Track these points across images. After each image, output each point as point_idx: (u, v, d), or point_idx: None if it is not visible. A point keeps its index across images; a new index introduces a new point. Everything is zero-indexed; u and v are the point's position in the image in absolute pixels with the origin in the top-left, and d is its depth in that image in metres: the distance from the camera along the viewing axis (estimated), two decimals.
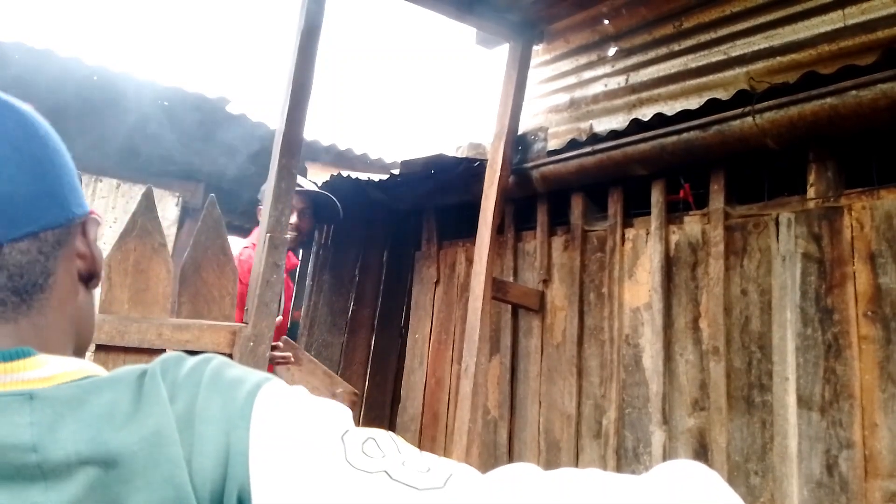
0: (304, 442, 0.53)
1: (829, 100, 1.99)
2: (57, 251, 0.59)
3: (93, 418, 0.50)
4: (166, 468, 0.50)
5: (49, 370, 0.54)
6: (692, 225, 2.51)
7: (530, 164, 3.00)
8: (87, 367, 0.57)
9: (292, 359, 2.78)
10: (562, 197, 3.06)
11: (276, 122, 2.30)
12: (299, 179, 2.83)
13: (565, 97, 3.01)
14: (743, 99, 2.22)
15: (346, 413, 0.58)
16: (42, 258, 0.58)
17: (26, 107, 0.63)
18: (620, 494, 0.53)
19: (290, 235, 2.71)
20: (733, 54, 2.34)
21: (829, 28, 2.08)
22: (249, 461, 0.51)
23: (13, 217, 0.55)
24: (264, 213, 2.16)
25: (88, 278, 0.64)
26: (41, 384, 0.52)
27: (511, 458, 3.07)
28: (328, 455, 0.52)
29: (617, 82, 2.78)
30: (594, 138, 2.73)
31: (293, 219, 2.79)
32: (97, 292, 0.69)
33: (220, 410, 0.54)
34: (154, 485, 0.49)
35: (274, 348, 2.67)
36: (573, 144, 2.82)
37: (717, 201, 2.41)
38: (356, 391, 3.09)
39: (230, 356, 1.97)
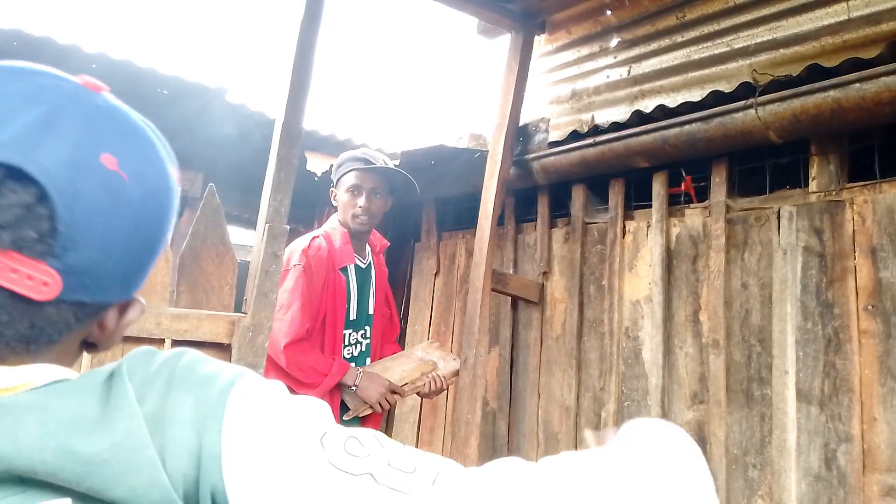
0: (281, 444, 0.51)
1: (832, 93, 1.98)
2: (91, 319, 0.57)
3: (58, 425, 0.48)
4: (147, 472, 0.48)
5: (9, 379, 0.51)
6: (693, 217, 2.50)
7: (531, 156, 2.99)
8: (53, 371, 0.54)
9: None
10: (562, 189, 3.05)
11: (276, 111, 2.28)
12: (368, 155, 2.59)
13: (567, 88, 3.00)
14: (746, 91, 2.20)
15: (325, 411, 0.57)
16: (72, 320, 0.54)
17: (174, 173, 0.60)
18: (606, 488, 0.53)
19: (361, 220, 2.55)
20: (736, 46, 2.33)
21: (833, 20, 2.06)
22: (222, 465, 0.50)
23: (80, 285, 0.52)
24: (263, 202, 2.14)
25: (89, 345, 0.60)
26: (1, 393, 0.51)
27: (510, 449, 3.07)
28: (309, 457, 0.51)
29: (619, 73, 2.76)
30: (596, 130, 2.72)
31: (361, 201, 2.53)
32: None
33: (192, 411, 0.52)
34: (138, 490, 0.48)
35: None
36: (574, 136, 2.81)
37: (718, 194, 2.40)
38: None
39: (229, 346, 1.97)
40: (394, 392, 2.50)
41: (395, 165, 2.67)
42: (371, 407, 2.46)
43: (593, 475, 0.54)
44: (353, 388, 2.44)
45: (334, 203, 2.66)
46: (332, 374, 2.38)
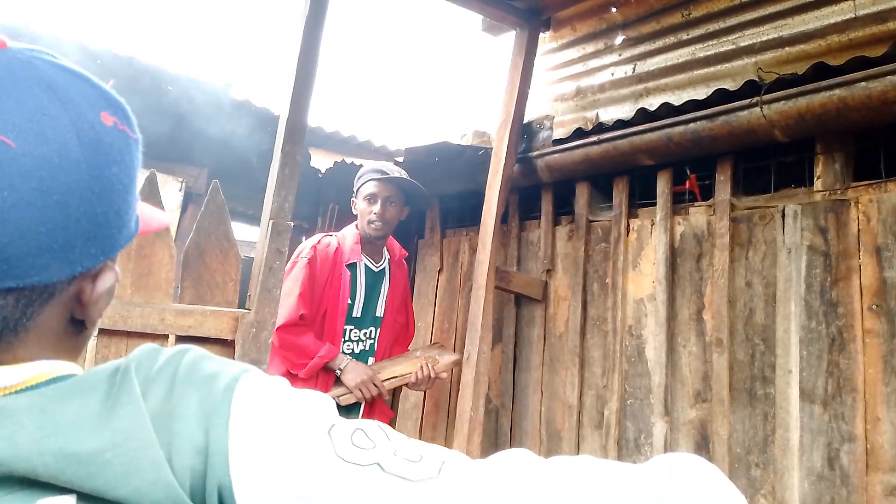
0: (288, 438, 0.51)
1: (838, 91, 1.97)
2: (46, 301, 0.53)
3: (57, 428, 0.47)
4: (151, 471, 0.47)
5: (7, 378, 0.50)
6: (697, 216, 2.50)
7: (535, 153, 2.99)
8: (57, 367, 0.53)
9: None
10: (567, 186, 3.05)
11: (280, 107, 2.28)
12: (385, 167, 2.79)
13: (571, 86, 2.99)
14: (751, 89, 2.20)
15: (330, 405, 0.57)
16: (20, 307, 0.51)
17: (107, 119, 0.52)
18: (615, 481, 0.52)
19: (375, 226, 2.74)
20: (742, 44, 2.32)
21: (839, 18, 2.05)
22: (229, 460, 0.49)
23: None
24: (267, 199, 2.15)
25: (78, 324, 0.57)
26: None
27: (512, 447, 3.06)
28: (316, 450, 0.50)
29: (624, 71, 2.75)
30: (600, 128, 2.72)
31: (376, 208, 2.73)
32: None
33: (197, 407, 0.51)
34: (142, 489, 0.47)
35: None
36: (579, 134, 2.80)
37: (722, 192, 2.39)
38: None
39: (233, 342, 1.97)
40: (376, 384, 2.60)
41: (407, 175, 2.86)
42: (352, 393, 2.56)
43: (604, 476, 0.53)
44: (338, 372, 2.58)
45: (354, 212, 2.87)
46: (320, 356, 2.53)
